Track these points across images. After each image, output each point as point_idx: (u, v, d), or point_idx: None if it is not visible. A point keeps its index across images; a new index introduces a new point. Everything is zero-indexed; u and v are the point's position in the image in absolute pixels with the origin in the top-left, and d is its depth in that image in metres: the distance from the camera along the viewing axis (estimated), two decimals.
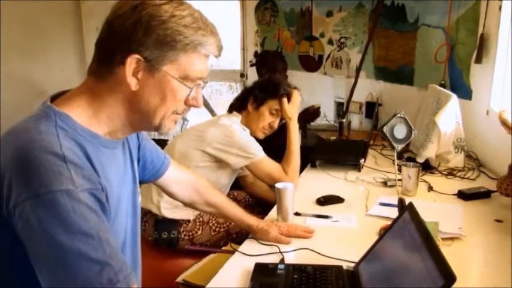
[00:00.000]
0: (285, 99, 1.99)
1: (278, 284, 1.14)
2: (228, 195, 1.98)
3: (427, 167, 2.10)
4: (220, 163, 1.86)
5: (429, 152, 2.11)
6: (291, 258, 1.33)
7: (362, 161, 2.19)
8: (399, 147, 1.87)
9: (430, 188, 1.89)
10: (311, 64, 3.68)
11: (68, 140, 0.82)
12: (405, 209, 1.13)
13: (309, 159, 2.25)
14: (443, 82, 2.53)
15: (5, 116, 3.06)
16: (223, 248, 1.71)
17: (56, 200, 0.75)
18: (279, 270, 1.20)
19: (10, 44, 3.34)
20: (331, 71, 3.56)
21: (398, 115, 1.87)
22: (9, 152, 0.79)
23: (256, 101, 2.00)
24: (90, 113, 0.89)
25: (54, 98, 0.90)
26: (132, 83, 0.86)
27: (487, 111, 2.11)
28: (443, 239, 1.38)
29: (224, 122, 1.89)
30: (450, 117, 2.08)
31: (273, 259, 1.31)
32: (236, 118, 1.98)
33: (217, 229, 1.84)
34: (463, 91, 2.34)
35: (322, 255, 1.32)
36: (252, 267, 1.23)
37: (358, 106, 3.24)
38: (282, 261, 1.30)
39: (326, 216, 1.61)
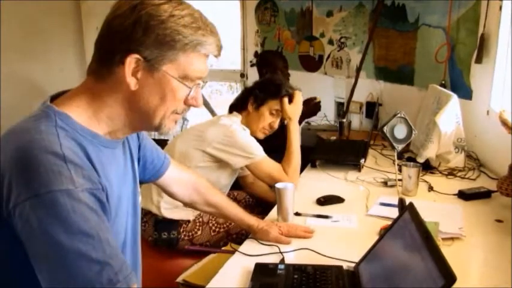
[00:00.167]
0: (285, 100, 1.99)
1: (278, 284, 1.14)
2: (228, 195, 1.98)
3: (427, 167, 2.10)
4: (220, 163, 1.86)
5: (429, 152, 2.11)
6: (291, 258, 1.33)
7: (362, 161, 2.19)
8: (399, 147, 1.87)
9: (431, 188, 1.89)
10: (311, 64, 3.67)
11: (68, 139, 0.82)
12: (405, 209, 1.12)
13: (309, 159, 2.25)
14: (443, 82, 2.53)
15: (5, 116, 3.06)
16: (223, 248, 1.71)
17: (56, 199, 0.75)
18: (279, 270, 1.20)
19: (10, 44, 3.34)
20: (331, 71, 3.55)
21: (399, 115, 1.87)
22: (9, 152, 0.79)
23: (256, 101, 1.99)
24: (90, 113, 0.89)
25: (54, 98, 0.90)
26: (132, 82, 0.86)
27: (488, 111, 2.11)
28: (443, 239, 1.38)
29: (224, 122, 1.89)
30: (450, 117, 2.08)
31: (273, 259, 1.31)
32: (236, 118, 1.98)
33: (217, 229, 1.84)
34: (464, 91, 2.34)
35: (323, 255, 1.32)
36: (252, 267, 1.23)
37: (359, 106, 3.24)
38: (282, 261, 1.30)
39: (326, 216, 1.61)
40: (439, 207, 1.68)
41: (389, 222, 1.24)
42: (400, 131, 1.86)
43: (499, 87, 2.06)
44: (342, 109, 3.31)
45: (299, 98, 2.03)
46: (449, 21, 2.48)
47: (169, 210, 1.80)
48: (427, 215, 1.15)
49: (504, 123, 1.69)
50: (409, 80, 2.90)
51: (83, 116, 0.88)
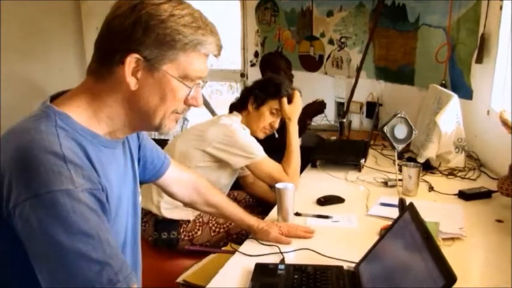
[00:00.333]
0: (284, 100, 1.99)
1: (278, 284, 1.14)
2: (228, 195, 1.98)
3: (427, 167, 2.10)
4: (220, 163, 1.86)
5: (430, 152, 2.11)
6: (291, 259, 1.33)
7: (362, 161, 2.18)
8: (400, 147, 1.87)
9: (431, 188, 1.89)
10: (311, 64, 3.67)
11: (68, 139, 0.82)
12: (406, 209, 1.12)
13: (309, 159, 2.25)
14: (444, 82, 2.53)
15: (5, 116, 3.06)
16: (223, 248, 1.71)
17: (56, 199, 0.75)
18: (280, 271, 1.20)
19: (10, 44, 3.34)
20: (331, 70, 3.55)
21: (399, 115, 1.87)
22: (9, 152, 0.79)
23: (256, 101, 1.99)
24: (90, 113, 0.89)
25: (53, 98, 0.90)
26: (132, 82, 0.86)
27: (488, 111, 2.11)
28: (443, 239, 1.38)
29: (225, 122, 1.89)
30: (451, 117, 2.08)
31: (274, 259, 1.31)
32: (236, 118, 1.98)
33: (217, 229, 1.84)
34: (464, 91, 2.34)
35: (323, 255, 1.32)
36: (252, 267, 1.23)
37: (359, 106, 3.24)
38: (283, 261, 1.29)
39: (326, 217, 1.61)
40: (440, 207, 1.68)
41: (390, 223, 1.24)
42: (401, 131, 1.86)
43: (499, 87, 2.06)
44: (342, 109, 3.31)
45: (298, 98, 2.03)
46: (449, 21, 2.48)
47: (170, 210, 1.80)
48: (427, 215, 1.15)
49: (504, 123, 1.69)
50: (410, 80, 2.90)
51: (82, 116, 0.88)
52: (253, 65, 3.97)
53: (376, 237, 1.23)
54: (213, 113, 3.70)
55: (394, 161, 1.98)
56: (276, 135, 2.13)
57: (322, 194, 1.79)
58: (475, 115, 2.24)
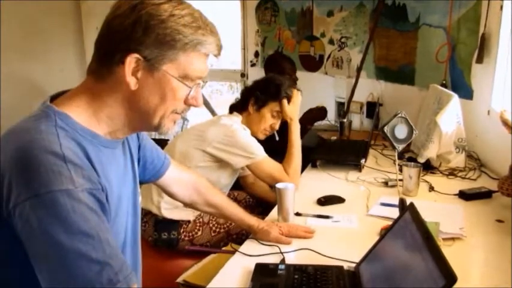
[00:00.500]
0: (285, 101, 1.98)
1: (279, 284, 1.14)
2: (229, 195, 1.98)
3: (428, 167, 2.10)
4: (220, 163, 1.86)
5: (430, 152, 2.11)
6: (291, 259, 1.32)
7: (363, 161, 2.18)
8: (400, 147, 1.87)
9: (431, 188, 1.89)
10: (312, 64, 3.67)
11: (68, 139, 0.82)
12: (406, 209, 1.12)
13: (309, 160, 2.25)
14: (444, 82, 2.52)
15: (5, 116, 3.06)
16: (223, 249, 1.70)
17: (56, 199, 0.75)
18: (280, 271, 1.20)
19: (10, 44, 3.34)
20: (332, 70, 3.55)
21: (399, 115, 1.87)
22: (9, 152, 0.79)
23: (257, 102, 1.99)
24: (90, 113, 0.89)
25: (53, 98, 0.90)
26: (132, 82, 0.86)
27: (488, 111, 2.11)
28: (444, 239, 1.38)
29: (225, 122, 1.89)
30: (451, 117, 2.08)
31: (274, 259, 1.31)
32: (237, 118, 1.98)
33: (218, 230, 1.84)
34: (464, 91, 2.34)
35: (323, 255, 1.32)
36: (252, 267, 1.23)
37: (359, 106, 3.23)
38: (283, 261, 1.29)
39: (327, 217, 1.61)
40: (440, 208, 1.68)
41: (390, 223, 1.24)
42: (401, 131, 1.86)
43: (499, 87, 2.06)
44: (342, 109, 3.30)
45: (298, 98, 2.03)
46: (450, 21, 2.48)
47: (170, 211, 1.80)
48: (427, 215, 1.15)
49: (505, 123, 1.68)
50: (410, 80, 2.90)
51: (82, 116, 0.88)
52: (253, 65, 3.97)
53: (377, 237, 1.23)
54: (213, 113, 3.70)
55: (394, 161, 1.98)
56: (277, 138, 2.13)
57: (323, 194, 1.79)
58: (475, 115, 2.24)
